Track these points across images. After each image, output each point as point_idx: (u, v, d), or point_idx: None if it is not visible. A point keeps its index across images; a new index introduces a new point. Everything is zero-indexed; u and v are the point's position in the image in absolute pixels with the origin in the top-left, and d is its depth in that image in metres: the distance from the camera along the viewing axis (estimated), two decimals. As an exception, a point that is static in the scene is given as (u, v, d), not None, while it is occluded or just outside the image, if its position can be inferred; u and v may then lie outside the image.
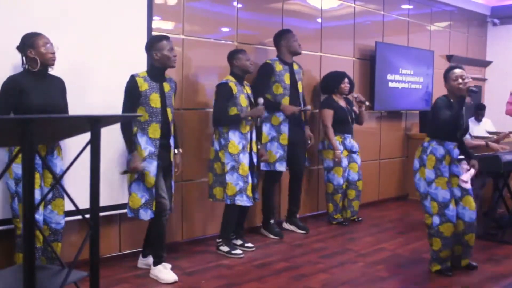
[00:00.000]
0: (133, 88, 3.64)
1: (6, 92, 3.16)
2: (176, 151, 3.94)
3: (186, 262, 4.17)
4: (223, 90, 4.30)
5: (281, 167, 4.91)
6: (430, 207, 3.88)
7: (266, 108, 4.59)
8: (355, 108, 5.68)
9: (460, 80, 3.78)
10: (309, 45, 5.68)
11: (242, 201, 4.28)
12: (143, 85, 3.65)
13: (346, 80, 5.55)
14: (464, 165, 3.98)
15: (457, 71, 3.83)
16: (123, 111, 3.66)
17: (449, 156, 3.88)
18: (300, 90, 5.09)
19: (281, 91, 4.92)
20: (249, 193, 4.30)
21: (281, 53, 5.01)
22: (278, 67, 4.92)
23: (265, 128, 4.89)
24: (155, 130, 3.67)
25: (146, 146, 3.66)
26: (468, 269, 4.05)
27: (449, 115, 3.74)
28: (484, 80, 8.91)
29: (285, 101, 4.92)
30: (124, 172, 3.76)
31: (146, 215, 3.69)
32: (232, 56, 4.44)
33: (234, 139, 4.27)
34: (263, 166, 4.86)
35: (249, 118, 4.33)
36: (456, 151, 3.91)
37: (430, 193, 3.88)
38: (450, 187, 3.88)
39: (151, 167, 3.66)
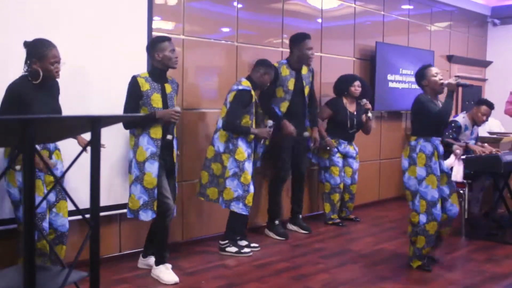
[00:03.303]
0: (135, 88, 3.65)
1: (8, 103, 3.09)
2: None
3: (186, 262, 4.17)
4: (245, 98, 4.28)
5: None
6: (419, 205, 3.95)
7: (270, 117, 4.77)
8: (363, 117, 5.58)
9: (440, 76, 3.97)
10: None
11: (238, 208, 4.26)
12: (145, 85, 3.66)
13: (356, 83, 5.47)
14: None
15: (434, 68, 4.04)
16: (125, 111, 3.66)
17: (436, 151, 3.97)
18: (306, 93, 5.07)
19: (281, 95, 4.91)
20: (248, 202, 4.28)
21: (291, 58, 4.94)
22: (285, 71, 4.90)
23: None
24: (157, 131, 3.67)
25: (148, 146, 3.66)
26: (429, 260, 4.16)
27: (439, 109, 3.89)
28: (484, 80, 8.91)
29: (283, 106, 4.91)
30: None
31: (146, 216, 3.69)
32: (263, 65, 4.42)
33: (242, 147, 4.28)
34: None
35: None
36: (441, 147, 4.03)
37: (420, 191, 3.94)
38: (439, 186, 3.94)
39: (153, 168, 3.66)
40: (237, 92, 4.30)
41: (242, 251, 4.37)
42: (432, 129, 3.96)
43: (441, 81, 3.95)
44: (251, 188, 4.30)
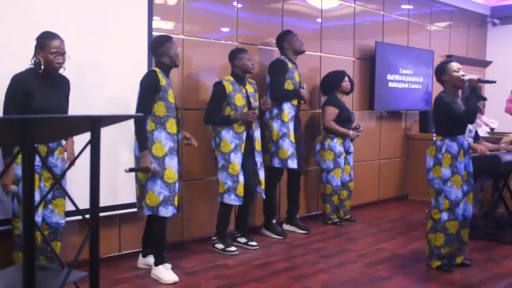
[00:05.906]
0: (155, 82, 3.63)
1: (13, 93, 3.11)
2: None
3: (186, 262, 4.17)
4: (215, 90, 4.39)
5: (293, 164, 4.86)
6: (442, 203, 3.91)
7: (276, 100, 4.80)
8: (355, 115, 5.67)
9: (461, 72, 3.88)
10: (309, 45, 5.66)
11: (230, 200, 4.31)
12: (163, 80, 3.68)
13: (346, 78, 5.52)
14: None
15: (456, 63, 3.94)
16: (140, 104, 3.64)
17: (462, 149, 3.90)
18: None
19: (291, 88, 4.92)
20: (239, 192, 4.31)
21: (286, 54, 5.01)
22: (290, 64, 4.96)
23: (276, 125, 4.86)
24: (172, 125, 3.69)
25: (166, 141, 3.66)
26: (462, 266, 4.08)
27: (466, 110, 3.80)
28: (484, 80, 8.90)
29: (294, 100, 4.92)
30: (130, 170, 3.65)
31: (167, 211, 3.67)
32: (234, 55, 4.46)
33: (227, 138, 4.31)
34: (277, 164, 4.85)
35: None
36: (466, 142, 3.97)
37: (444, 191, 3.89)
38: (462, 185, 3.89)
39: (173, 163, 3.68)
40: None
41: (228, 249, 4.38)
42: (457, 129, 3.91)
43: (463, 77, 3.87)
44: (241, 178, 4.32)
